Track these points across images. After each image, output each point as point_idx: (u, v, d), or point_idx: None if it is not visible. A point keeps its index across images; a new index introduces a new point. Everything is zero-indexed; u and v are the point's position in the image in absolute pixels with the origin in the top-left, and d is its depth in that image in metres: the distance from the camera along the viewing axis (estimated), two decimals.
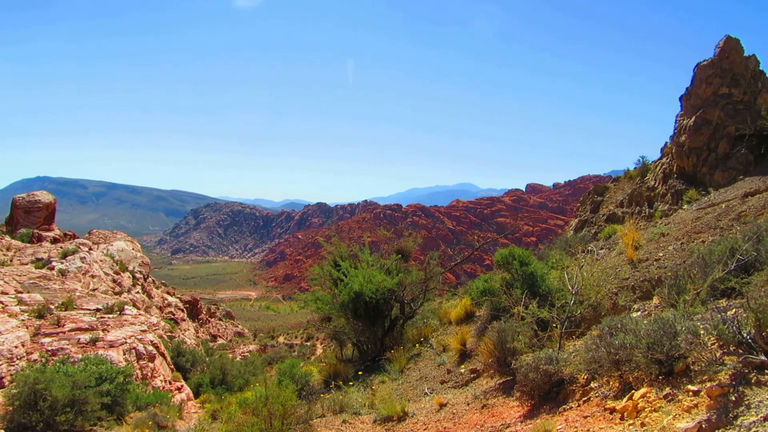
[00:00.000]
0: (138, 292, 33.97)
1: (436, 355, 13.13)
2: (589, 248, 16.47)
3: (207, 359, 28.88)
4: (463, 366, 11.53)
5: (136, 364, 17.27)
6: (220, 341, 50.46)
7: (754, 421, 4.72)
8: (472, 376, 10.91)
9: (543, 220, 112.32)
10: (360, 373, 13.62)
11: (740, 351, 5.58)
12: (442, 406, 9.47)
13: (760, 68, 20.05)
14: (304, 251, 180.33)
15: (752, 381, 5.18)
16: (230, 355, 38.33)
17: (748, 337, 5.53)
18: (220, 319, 60.39)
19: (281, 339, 63.83)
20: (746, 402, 4.99)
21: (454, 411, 9.05)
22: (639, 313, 10.00)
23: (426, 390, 11.07)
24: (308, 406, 10.69)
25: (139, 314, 25.82)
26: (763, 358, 5.30)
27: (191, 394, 20.04)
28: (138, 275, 36.31)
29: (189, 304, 49.94)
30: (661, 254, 13.33)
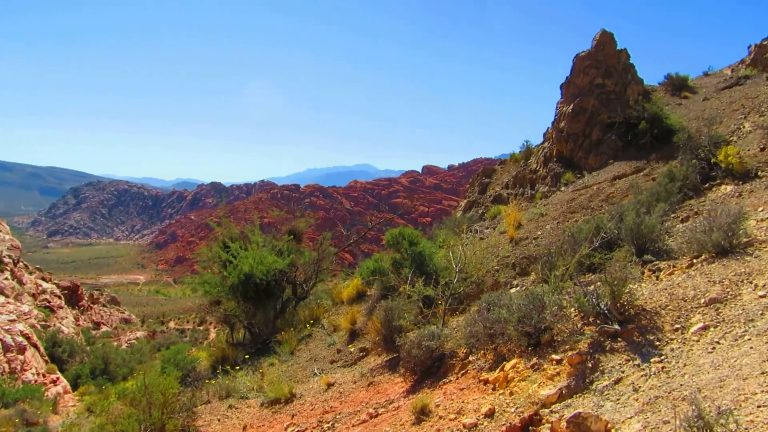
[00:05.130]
0: (6, 279, 31.01)
1: (327, 335, 13.15)
2: (476, 228, 17.16)
3: (88, 348, 27.09)
4: (352, 345, 11.63)
5: (2, 357, 15.84)
6: (104, 329, 47.47)
7: (606, 385, 5.15)
8: (361, 354, 11.04)
9: (438, 201, 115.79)
10: (247, 357, 13.36)
11: (598, 321, 6.05)
12: (329, 385, 9.51)
13: (630, 61, 21.70)
14: (197, 232, 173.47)
15: (607, 348, 5.64)
16: (115, 343, 36.24)
17: (605, 308, 6.01)
18: (104, 306, 56.76)
19: (172, 324, 61.21)
20: (601, 368, 5.43)
21: (342, 390, 9.12)
22: (517, 288, 10.58)
23: (315, 370, 11.07)
24: (192, 392, 10.34)
25: (7, 302, 23.66)
26: (616, 327, 5.78)
27: (68, 387, 18.70)
28: (6, 260, 33.11)
29: (68, 290, 46.36)
30: (539, 233, 14.17)
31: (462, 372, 7.31)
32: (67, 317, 36.79)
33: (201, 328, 54.25)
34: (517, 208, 16.97)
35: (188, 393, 10.19)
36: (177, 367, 11.85)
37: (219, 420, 9.33)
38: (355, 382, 9.36)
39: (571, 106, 20.06)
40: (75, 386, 19.91)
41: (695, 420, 3.15)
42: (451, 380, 7.31)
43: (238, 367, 12.23)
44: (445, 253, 11.94)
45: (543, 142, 22.44)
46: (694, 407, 3.25)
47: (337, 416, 7.78)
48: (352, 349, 11.41)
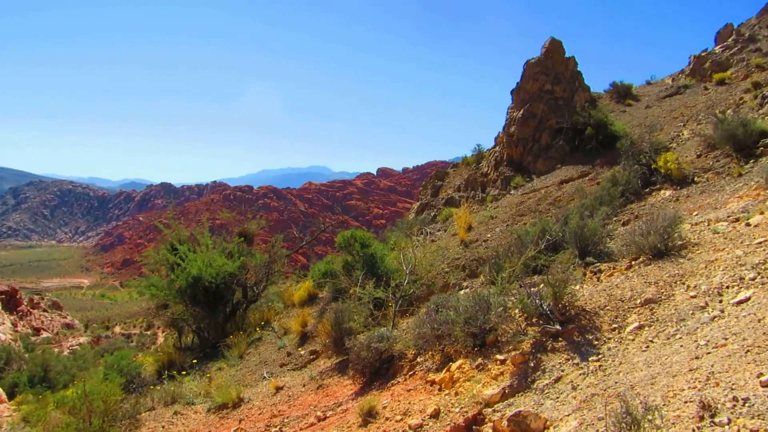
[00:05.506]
0: None
1: (277, 338, 13.01)
2: (427, 230, 17.32)
3: (26, 356, 25.92)
4: (302, 348, 11.55)
5: None
6: (45, 335, 45.53)
7: (547, 384, 5.28)
8: (311, 357, 10.97)
9: (392, 203, 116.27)
10: (195, 361, 13.08)
11: (541, 322, 6.21)
12: (278, 389, 9.42)
13: (578, 69, 22.38)
14: (145, 234, 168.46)
15: (548, 348, 5.79)
16: (56, 350, 34.82)
17: (548, 309, 6.18)
18: (45, 311, 54.44)
19: (117, 329, 59.27)
20: (542, 367, 5.57)
21: (290, 393, 9.05)
22: (467, 290, 10.74)
23: (265, 374, 10.93)
24: (136, 399, 10.05)
25: None
26: (558, 327, 5.94)
27: (4, 396, 17.83)
28: None
29: (5, 294, 44.28)
30: (489, 235, 14.43)
31: (410, 373, 7.37)
32: (3, 323, 35.19)
33: (148, 332, 52.77)
34: (469, 210, 17.23)
35: (132, 400, 9.91)
36: (121, 374, 11.47)
37: (164, 427, 9.10)
38: (304, 385, 9.30)
39: (521, 112, 20.51)
40: (11, 395, 19.00)
41: (624, 416, 3.28)
42: (399, 381, 7.36)
43: (184, 372, 11.95)
44: (396, 255, 12.01)
45: (494, 146, 22.86)
46: (622, 404, 3.38)
47: (285, 420, 7.72)
48: (302, 352, 11.33)
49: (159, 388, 10.87)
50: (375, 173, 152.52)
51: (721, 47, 25.14)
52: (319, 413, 7.49)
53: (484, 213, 16.67)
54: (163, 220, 18.40)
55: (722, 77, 20.63)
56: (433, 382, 6.44)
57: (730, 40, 25.32)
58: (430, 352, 7.40)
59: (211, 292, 14.27)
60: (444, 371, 6.42)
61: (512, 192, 18.35)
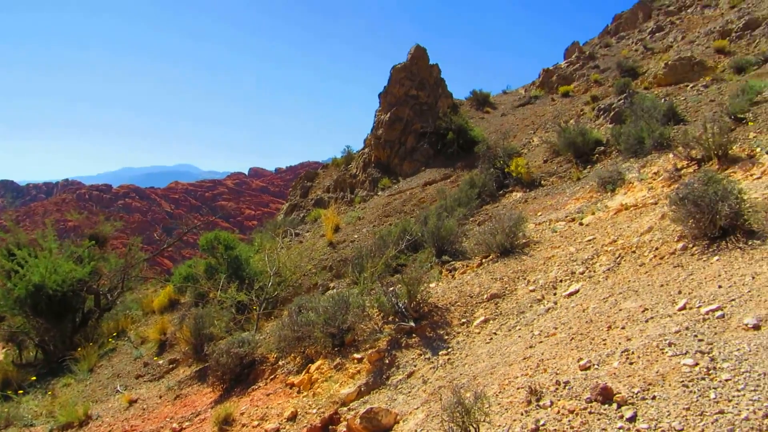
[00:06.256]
0: None
1: (133, 348, 12.19)
2: (296, 231, 17.21)
3: None
4: (161, 357, 10.94)
5: None
6: None
7: (400, 379, 5.47)
8: (170, 366, 10.42)
9: (265, 204, 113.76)
10: (34, 378, 11.86)
11: (396, 320, 6.42)
12: (132, 402, 8.83)
13: (442, 76, 23.47)
14: None
15: (403, 345, 6.00)
16: None
17: (403, 307, 6.39)
18: None
19: None
20: (397, 363, 5.76)
21: (145, 406, 8.52)
22: (334, 290, 10.81)
23: (118, 387, 10.19)
24: None
25: None
26: (412, 324, 6.18)
27: None
28: None
29: None
30: (356, 236, 14.64)
31: (271, 377, 7.26)
32: None
33: None
34: (337, 211, 17.37)
35: None
36: None
37: None
38: (161, 397, 8.81)
39: (388, 115, 21.07)
40: None
41: (456, 406, 3.49)
42: (260, 386, 7.22)
43: (21, 391, 10.79)
44: (261, 257, 11.79)
45: (363, 148, 23.26)
46: (454, 395, 3.59)
47: None
48: (160, 362, 10.72)
49: None
50: (247, 173, 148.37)
51: (566, 63, 27.66)
52: (175, 425, 7.14)
53: (352, 214, 16.88)
54: (1, 222, 16.51)
55: (567, 90, 22.72)
56: (292, 385, 6.40)
57: (574, 56, 27.94)
58: (291, 355, 7.34)
59: (56, 301, 13.00)
60: (303, 373, 6.40)
61: (380, 193, 18.77)
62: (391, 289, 6.72)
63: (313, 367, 6.31)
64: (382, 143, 20.91)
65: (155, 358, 10.83)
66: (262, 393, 6.76)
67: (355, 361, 6.00)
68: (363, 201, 19.00)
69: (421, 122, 20.67)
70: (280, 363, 7.50)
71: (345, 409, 5.33)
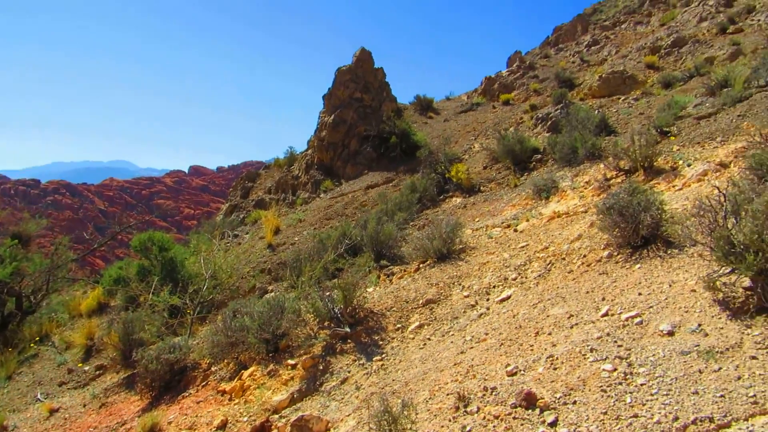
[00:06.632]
0: None
1: (57, 354, 11.61)
2: (235, 232, 16.88)
3: None
4: (87, 363, 10.46)
5: None
6: None
7: (334, 386, 5.44)
8: (97, 373, 9.98)
9: (205, 203, 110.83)
10: None
11: (332, 325, 6.38)
12: (53, 412, 8.40)
13: (386, 80, 23.59)
14: None
15: (337, 351, 5.97)
16: None
17: (338, 312, 6.36)
18: None
19: None
20: (331, 369, 5.73)
21: (67, 416, 8.13)
22: (272, 294, 10.65)
23: (39, 396, 9.68)
24: None
25: None
26: (347, 329, 6.16)
27: None
28: None
29: None
30: (297, 238, 14.48)
31: (203, 384, 7.07)
32: None
33: None
34: (278, 213, 17.16)
35: None
36: None
37: None
38: (85, 405, 8.42)
39: (332, 117, 20.99)
40: None
41: (383, 414, 3.50)
42: (191, 393, 7.02)
43: None
44: (197, 259, 11.49)
45: (306, 150, 23.07)
46: (381, 403, 3.61)
47: None
48: (86, 368, 10.25)
49: None
50: (187, 171, 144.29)
51: (508, 71, 28.35)
52: None
53: (293, 216, 16.71)
54: None
55: (507, 98, 23.30)
56: (224, 392, 6.25)
57: (515, 65, 28.69)
58: (225, 361, 7.18)
59: None
60: (236, 380, 6.27)
61: (322, 195, 18.66)
62: (328, 294, 6.68)
63: (246, 373, 6.19)
64: (325, 145, 20.80)
65: (80, 365, 10.35)
66: (193, 401, 6.57)
67: (289, 367, 5.93)
68: (305, 203, 18.84)
69: (364, 125, 20.69)
70: (213, 369, 7.32)
71: (277, 416, 5.25)
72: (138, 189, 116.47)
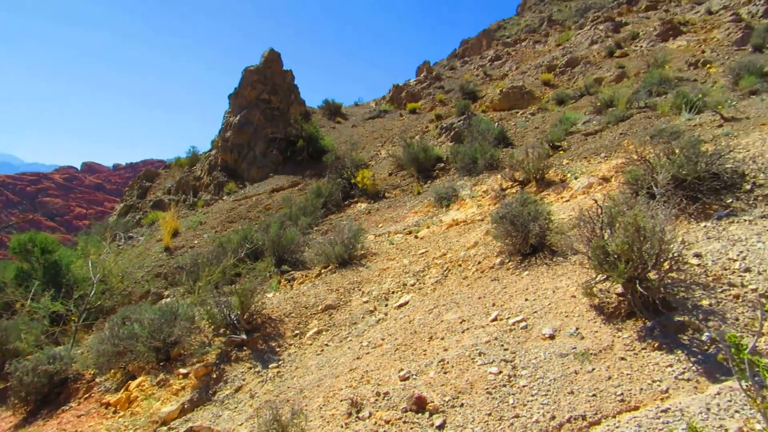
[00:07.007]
0: None
1: None
2: (129, 234, 16.00)
3: None
4: None
5: None
6: None
7: (228, 394, 5.28)
8: None
9: (99, 202, 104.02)
10: None
11: (228, 332, 6.20)
12: None
13: (295, 83, 23.36)
14: None
15: (233, 358, 5.81)
16: None
17: (235, 318, 6.20)
18: None
19: None
20: (225, 378, 5.56)
21: None
22: (169, 299, 10.18)
23: None
24: None
25: None
26: (243, 336, 6.01)
27: None
28: None
29: None
30: (197, 242, 13.96)
31: (85, 396, 6.62)
32: None
33: None
34: (177, 215, 16.48)
35: None
36: None
37: None
38: None
39: (238, 118, 20.49)
40: None
41: (272, 423, 3.46)
42: (71, 407, 6.55)
43: None
44: (84, 262, 10.77)
45: (210, 150, 22.33)
46: (270, 410, 3.56)
47: None
48: None
49: None
50: (79, 168, 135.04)
51: (416, 81, 29.02)
52: None
53: (193, 218, 16.10)
54: None
55: (414, 107, 23.82)
56: (108, 404, 5.89)
57: (422, 75, 29.41)
58: (111, 371, 6.77)
59: None
60: (122, 391, 5.93)
61: (225, 198, 18.15)
62: (224, 299, 6.49)
63: (133, 384, 5.86)
64: (230, 146, 20.24)
65: None
66: (73, 414, 6.14)
67: (181, 376, 5.69)
68: (207, 205, 18.22)
69: (271, 127, 20.37)
70: (97, 380, 6.88)
71: (165, 428, 5.01)
72: (22, 185, 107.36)
